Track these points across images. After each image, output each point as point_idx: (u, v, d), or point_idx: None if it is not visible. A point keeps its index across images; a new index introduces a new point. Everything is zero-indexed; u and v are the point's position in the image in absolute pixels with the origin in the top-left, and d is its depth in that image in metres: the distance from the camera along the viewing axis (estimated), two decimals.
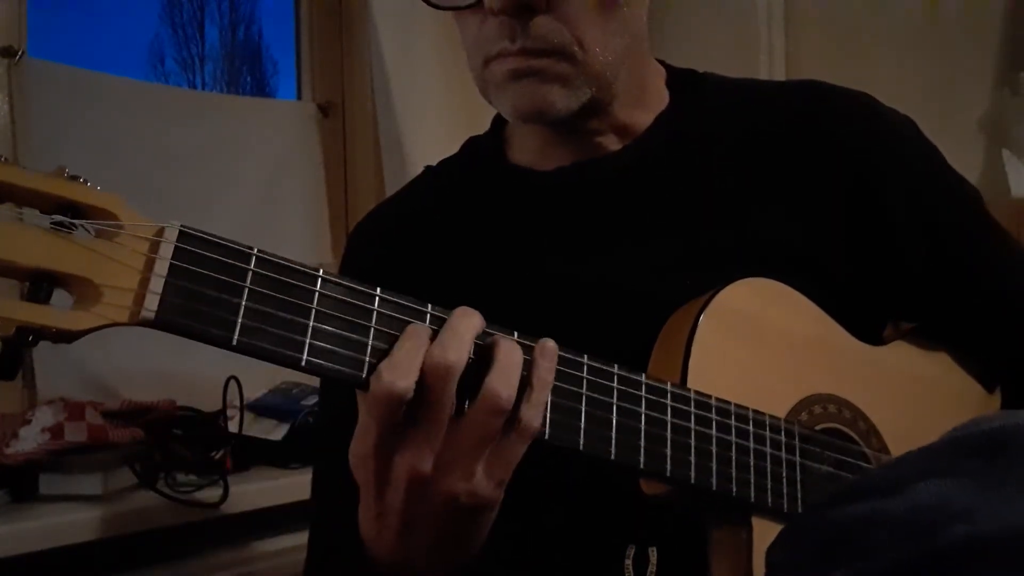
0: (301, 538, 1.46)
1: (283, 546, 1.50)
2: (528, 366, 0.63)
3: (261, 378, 1.63)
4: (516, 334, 0.64)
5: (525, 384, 0.62)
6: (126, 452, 1.35)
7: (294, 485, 1.45)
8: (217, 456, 1.44)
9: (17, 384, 1.56)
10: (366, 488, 0.65)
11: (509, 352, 0.61)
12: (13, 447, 1.28)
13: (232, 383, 1.52)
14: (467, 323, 0.61)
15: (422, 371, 0.59)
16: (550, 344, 0.64)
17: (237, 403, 1.52)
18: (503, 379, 0.61)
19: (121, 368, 1.63)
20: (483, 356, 0.61)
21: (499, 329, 0.63)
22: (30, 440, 1.29)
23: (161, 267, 0.54)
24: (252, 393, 1.59)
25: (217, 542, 1.45)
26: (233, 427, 1.51)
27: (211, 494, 1.37)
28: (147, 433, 1.41)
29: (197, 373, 1.65)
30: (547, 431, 0.64)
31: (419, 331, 0.60)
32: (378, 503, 0.64)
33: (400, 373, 0.58)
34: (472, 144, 0.97)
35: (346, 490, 0.68)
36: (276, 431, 1.56)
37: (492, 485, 0.63)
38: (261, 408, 1.60)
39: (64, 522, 1.23)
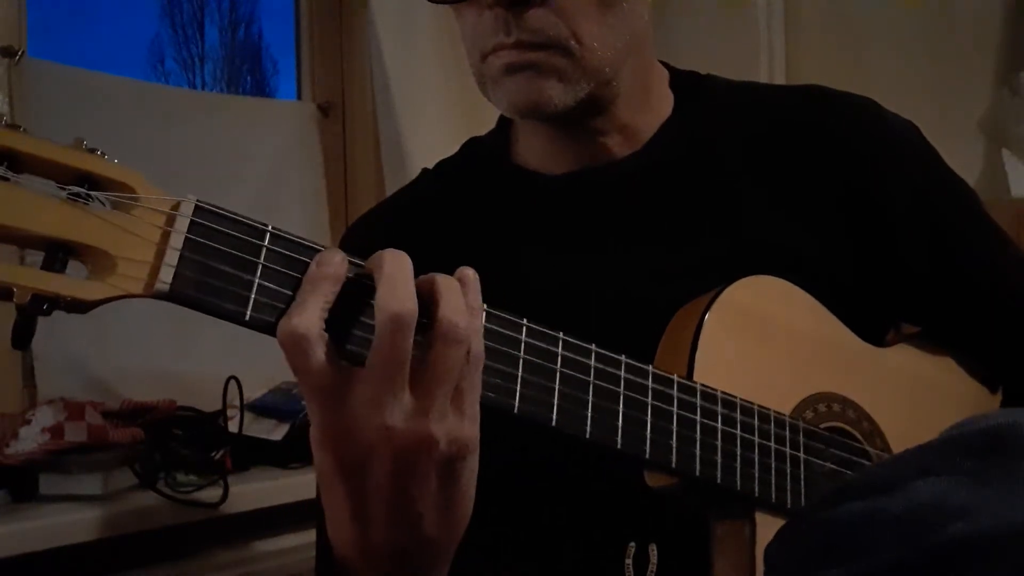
0: (301, 538, 1.47)
1: (283, 546, 1.51)
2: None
3: (261, 378, 1.63)
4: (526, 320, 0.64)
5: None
6: (126, 452, 1.35)
7: (294, 485, 1.45)
8: (217, 456, 1.44)
9: (17, 384, 1.56)
10: (335, 484, 0.59)
11: (449, 283, 0.59)
12: (13, 447, 1.28)
13: (232, 383, 1.52)
14: (403, 266, 0.58)
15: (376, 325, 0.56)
16: (469, 271, 0.62)
17: (237, 403, 1.52)
18: (454, 308, 0.58)
19: (121, 368, 1.63)
20: (423, 293, 0.59)
21: None
22: (30, 440, 1.29)
23: (177, 240, 0.54)
24: (252, 393, 1.59)
25: (217, 542, 1.45)
26: (233, 427, 1.51)
27: (211, 494, 1.37)
28: (147, 433, 1.41)
29: (197, 373, 1.65)
30: (554, 418, 0.64)
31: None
32: (353, 493, 0.59)
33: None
34: (474, 144, 0.97)
35: None
36: (276, 431, 1.56)
37: (467, 422, 0.59)
38: (261, 408, 1.60)
39: (64, 522, 1.23)
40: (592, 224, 0.85)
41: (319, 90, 2.12)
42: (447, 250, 0.88)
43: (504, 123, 0.94)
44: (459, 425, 0.59)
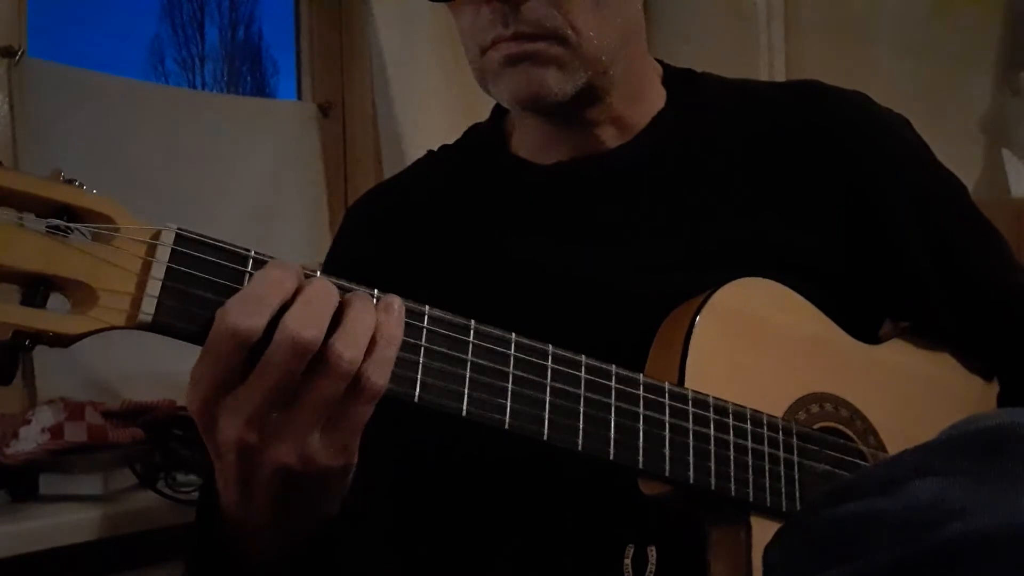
0: None
1: None
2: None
3: None
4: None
5: (371, 343, 0.58)
6: (126, 452, 1.35)
7: None
8: None
9: (17, 384, 1.56)
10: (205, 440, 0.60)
11: (359, 311, 0.57)
12: (13, 447, 1.28)
13: None
14: (326, 297, 0.57)
15: (273, 340, 0.55)
16: (396, 301, 0.60)
17: None
18: (349, 340, 0.56)
19: (121, 368, 1.63)
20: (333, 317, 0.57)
21: (356, 286, 0.59)
22: (30, 440, 1.29)
23: (158, 270, 0.54)
24: None
25: None
26: None
27: None
28: (147, 433, 1.41)
29: None
30: (546, 432, 0.64)
31: (287, 276, 0.56)
32: (215, 460, 0.60)
33: (249, 311, 0.54)
34: (474, 132, 0.97)
35: None
36: None
37: (332, 452, 0.58)
38: None
39: (64, 522, 1.23)
40: (581, 214, 0.86)
41: (319, 90, 2.12)
42: (440, 237, 0.89)
43: (498, 113, 0.95)
44: (324, 453, 0.58)
